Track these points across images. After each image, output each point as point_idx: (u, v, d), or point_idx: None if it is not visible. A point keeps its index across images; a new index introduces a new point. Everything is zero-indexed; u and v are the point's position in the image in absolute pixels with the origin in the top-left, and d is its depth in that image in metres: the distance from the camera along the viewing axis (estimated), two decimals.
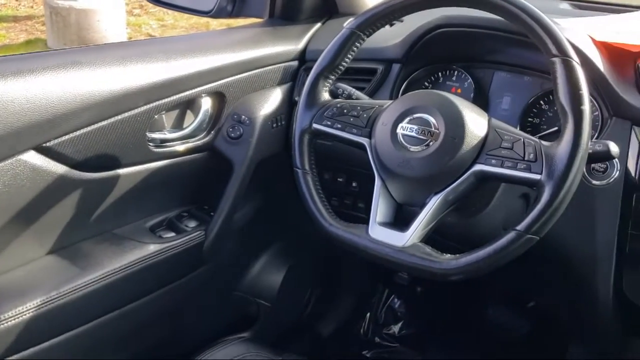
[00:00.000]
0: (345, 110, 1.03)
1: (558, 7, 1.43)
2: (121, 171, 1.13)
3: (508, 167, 0.88)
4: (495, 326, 1.69)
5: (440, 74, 1.30)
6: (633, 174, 1.05)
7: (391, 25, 1.33)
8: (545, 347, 1.66)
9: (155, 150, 1.18)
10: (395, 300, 1.91)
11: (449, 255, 0.90)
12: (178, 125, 1.24)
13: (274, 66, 1.33)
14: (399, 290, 1.88)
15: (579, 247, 1.09)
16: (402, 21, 1.33)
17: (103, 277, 1.10)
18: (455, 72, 1.28)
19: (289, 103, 1.36)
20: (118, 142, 1.09)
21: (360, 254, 0.97)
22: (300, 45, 1.38)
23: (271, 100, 1.32)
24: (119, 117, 1.07)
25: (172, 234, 1.25)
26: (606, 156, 0.91)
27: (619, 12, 1.29)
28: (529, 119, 1.20)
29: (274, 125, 1.32)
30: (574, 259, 1.10)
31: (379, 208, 0.97)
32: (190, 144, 1.24)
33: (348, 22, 1.05)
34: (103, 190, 1.13)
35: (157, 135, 1.19)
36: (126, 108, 1.08)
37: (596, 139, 1.05)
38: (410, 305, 1.88)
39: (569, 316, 1.33)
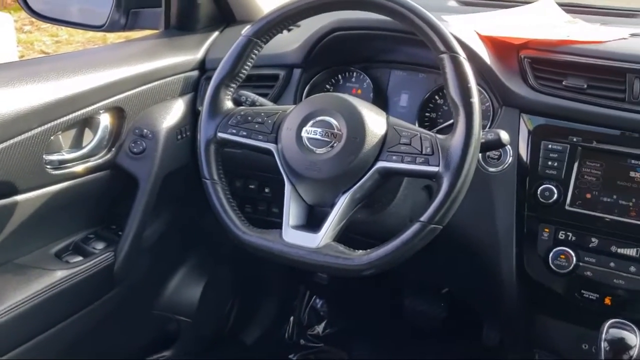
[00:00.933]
0: (249, 118, 1.03)
1: (445, 5, 1.50)
2: (19, 197, 1.08)
3: (408, 162, 0.92)
4: (414, 315, 1.75)
5: (340, 76, 1.33)
6: (525, 159, 1.12)
7: (289, 30, 1.35)
8: (462, 330, 1.74)
9: (54, 172, 1.13)
10: (317, 300, 1.93)
11: (361, 251, 0.93)
12: (77, 144, 1.20)
13: (173, 77, 1.31)
14: (319, 290, 1.90)
15: (481, 232, 1.15)
16: (299, 26, 1.35)
17: (8, 310, 1.04)
18: (354, 74, 1.32)
19: (192, 113, 1.34)
20: (13, 168, 1.04)
21: (276, 259, 0.98)
22: (199, 54, 1.37)
23: (173, 112, 1.30)
24: (12, 141, 1.02)
25: (80, 258, 1.20)
26: (498, 144, 0.97)
27: (502, 7, 1.36)
28: (426, 114, 1.25)
29: (179, 137, 1.30)
30: (477, 243, 1.16)
31: (291, 211, 0.99)
32: (90, 163, 1.20)
33: (245, 30, 1.06)
34: (1, 219, 1.07)
35: (55, 157, 1.14)
36: (19, 131, 1.03)
37: (489, 128, 1.11)
38: (332, 304, 1.91)
39: (479, 299, 1.40)
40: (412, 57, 1.26)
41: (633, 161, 1.06)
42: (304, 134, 0.97)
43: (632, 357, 0.98)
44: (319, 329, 1.89)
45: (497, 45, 1.17)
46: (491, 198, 1.13)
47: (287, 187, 0.99)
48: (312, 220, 0.99)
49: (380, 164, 0.94)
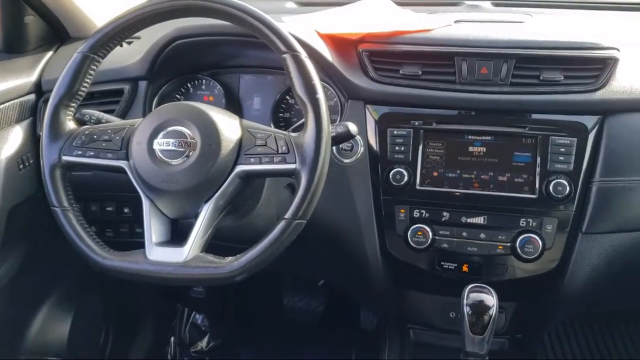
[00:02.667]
0: (95, 136, 0.98)
1: (284, 7, 1.53)
2: None
3: (266, 163, 0.93)
4: (294, 312, 1.78)
5: (189, 84, 1.31)
6: (375, 147, 1.17)
7: (129, 43, 1.31)
8: (341, 318, 1.80)
9: None
10: (197, 316, 1.89)
11: (230, 257, 0.92)
12: None
13: (7, 103, 1.22)
14: (198, 304, 1.86)
15: (344, 220, 1.19)
16: (139, 38, 1.31)
17: None
18: (204, 81, 1.30)
19: (33, 140, 1.25)
20: None
21: (144, 279, 0.94)
22: (34, 76, 1.28)
23: (12, 140, 1.21)
24: None
25: None
26: (348, 136, 1.01)
27: (339, 5, 1.41)
28: (280, 115, 1.27)
29: (21, 166, 1.21)
30: (342, 232, 1.20)
31: (153, 228, 0.96)
32: None
33: (80, 46, 1.01)
34: None
35: None
36: None
37: (339, 122, 1.15)
38: (212, 317, 1.88)
39: (352, 285, 1.45)
40: (259, 60, 1.27)
41: (470, 137, 1.15)
42: (155, 146, 0.94)
43: (492, 316, 1.06)
44: (202, 344, 1.86)
45: (337, 42, 1.22)
46: (349, 187, 1.18)
47: (145, 204, 0.96)
48: (177, 234, 0.97)
49: (240, 168, 0.94)
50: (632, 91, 1.11)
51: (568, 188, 1.09)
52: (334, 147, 1.17)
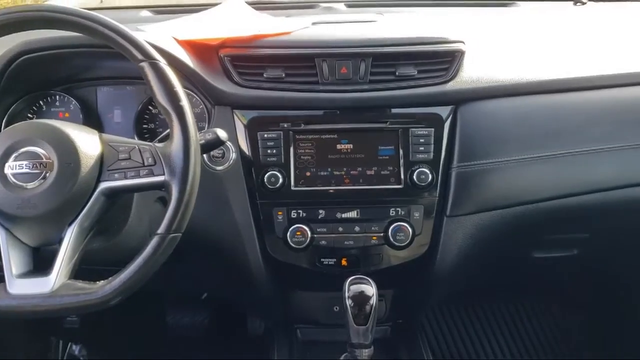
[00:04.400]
0: None
1: (139, 16, 1.48)
2: None
3: (132, 177, 0.89)
4: (180, 329, 1.72)
5: (41, 102, 1.22)
6: (247, 152, 1.17)
7: None
8: (230, 328, 1.77)
9: None
10: (74, 347, 1.78)
11: (102, 281, 0.87)
12: None
13: None
14: (73, 335, 1.75)
15: (223, 229, 1.18)
16: None
17: None
18: (57, 97, 1.23)
19: None
20: None
21: (7, 316, 0.87)
22: None
23: None
24: None
25: None
26: (218, 142, 0.99)
27: (196, 11, 1.39)
28: (144, 126, 1.23)
29: None
30: (222, 240, 1.19)
31: (12, 260, 0.88)
32: None
33: None
34: None
35: None
36: None
37: (207, 129, 1.14)
38: (90, 346, 1.77)
39: (236, 293, 1.44)
40: (116, 71, 1.22)
41: (336, 135, 1.18)
42: (7, 170, 0.87)
43: (373, 305, 1.10)
44: None
45: (197, 48, 1.20)
46: (225, 194, 1.17)
47: (1, 234, 0.88)
48: (41, 263, 0.90)
49: (104, 185, 0.90)
50: (479, 80, 1.19)
51: (430, 176, 1.16)
52: (204, 155, 1.15)
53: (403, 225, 1.17)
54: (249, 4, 1.41)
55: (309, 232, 1.17)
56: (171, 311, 1.74)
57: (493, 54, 1.26)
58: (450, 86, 1.18)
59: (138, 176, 0.89)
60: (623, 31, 1.41)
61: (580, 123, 1.21)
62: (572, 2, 1.60)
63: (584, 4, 1.59)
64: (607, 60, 1.28)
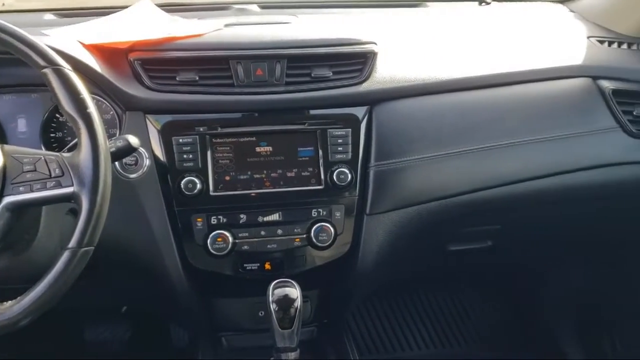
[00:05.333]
0: None
1: (42, 19, 1.40)
2: None
3: (38, 190, 0.85)
4: (100, 345, 1.65)
5: None
6: (161, 158, 1.14)
7: None
8: (153, 340, 1.72)
9: None
10: None
11: (10, 302, 0.82)
12: None
13: None
14: None
15: (139, 238, 1.14)
16: None
17: None
18: None
19: None
20: None
21: None
22: None
23: None
24: None
25: None
26: (129, 149, 0.96)
27: (103, 14, 1.34)
28: (51, 135, 1.17)
29: None
30: (139, 251, 1.15)
31: None
32: None
33: None
34: None
35: None
36: None
37: (118, 136, 1.09)
38: None
39: (156, 304, 1.39)
40: (19, 79, 1.15)
41: (255, 137, 1.17)
42: None
43: (298, 307, 1.10)
44: None
45: (105, 52, 1.15)
46: (140, 203, 1.13)
47: None
48: None
49: (7, 200, 0.84)
50: (392, 81, 1.22)
51: (349, 176, 1.17)
52: (116, 163, 1.11)
53: (325, 226, 1.18)
54: (159, 6, 1.37)
55: (230, 238, 1.15)
56: (89, 326, 1.66)
57: (405, 55, 1.29)
58: (365, 87, 1.20)
59: (45, 188, 0.85)
60: (525, 30, 1.49)
61: (488, 119, 1.26)
62: (477, 3, 1.66)
63: (488, 4, 1.66)
64: (511, 58, 1.34)
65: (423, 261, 1.48)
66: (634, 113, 1.30)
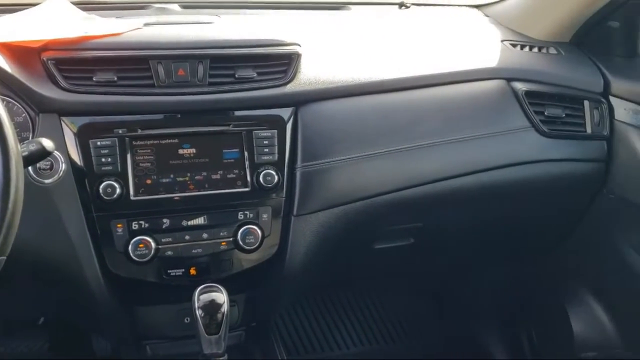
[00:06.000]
0: None
1: None
2: None
3: None
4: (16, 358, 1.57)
5: None
6: (78, 162, 1.09)
7: None
8: (74, 351, 1.64)
9: None
10: None
11: None
12: None
13: None
14: None
15: (56, 247, 1.09)
16: None
17: None
18: None
19: None
20: None
21: None
22: None
23: None
24: None
25: None
26: (43, 153, 0.91)
27: (11, 11, 1.27)
28: None
29: None
30: (56, 259, 1.10)
31: None
32: None
33: None
34: None
35: None
36: None
37: (31, 139, 1.04)
38: None
39: (76, 314, 1.34)
40: None
41: (177, 139, 1.14)
42: None
43: (225, 312, 1.08)
44: None
45: (15, 51, 1.09)
46: (56, 210, 1.08)
47: None
48: None
49: None
50: (316, 82, 1.22)
51: (276, 177, 1.16)
52: (29, 168, 1.05)
53: (252, 228, 1.16)
54: (75, 4, 1.31)
55: (153, 244, 1.12)
56: (2, 340, 1.57)
57: (329, 57, 1.30)
58: (289, 88, 1.19)
59: None
60: (442, 33, 1.53)
61: (409, 120, 1.29)
62: (397, 6, 1.70)
63: (407, 7, 1.70)
64: (430, 60, 1.37)
65: (350, 260, 1.49)
66: (545, 113, 1.37)
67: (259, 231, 1.17)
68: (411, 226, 1.40)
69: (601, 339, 1.56)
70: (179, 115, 1.15)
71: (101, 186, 1.08)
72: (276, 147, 1.18)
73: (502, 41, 1.50)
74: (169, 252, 1.14)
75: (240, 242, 1.16)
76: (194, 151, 1.15)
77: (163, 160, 1.14)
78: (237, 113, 1.18)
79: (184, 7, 1.50)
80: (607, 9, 1.41)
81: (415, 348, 1.95)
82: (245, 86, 1.17)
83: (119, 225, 1.11)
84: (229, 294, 1.10)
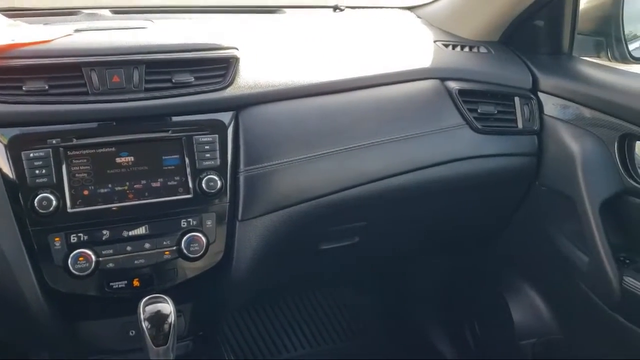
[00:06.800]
0: None
1: None
2: None
3: None
4: None
5: None
6: (10, 175, 1.05)
7: None
8: None
9: None
10: None
11: None
12: None
13: None
14: None
15: None
16: None
17: None
18: None
19: None
20: None
21: None
22: None
23: None
24: None
25: None
26: None
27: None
28: None
29: None
30: None
31: None
32: None
33: None
34: None
35: None
36: None
37: None
38: None
39: (13, 331, 1.27)
40: None
41: (114, 148, 1.11)
42: None
43: (172, 323, 1.06)
44: None
45: None
46: None
47: None
48: None
49: None
50: (256, 86, 1.22)
51: (219, 182, 1.15)
52: None
53: (196, 236, 1.14)
54: (2, 11, 1.26)
55: (93, 257, 1.08)
56: None
57: (267, 60, 1.30)
58: (229, 92, 1.19)
59: None
60: (378, 35, 1.56)
61: (350, 121, 1.30)
62: (332, 9, 1.72)
63: (342, 10, 1.72)
64: (367, 62, 1.39)
65: (297, 263, 1.50)
66: (479, 111, 1.41)
67: (203, 238, 1.15)
68: (355, 225, 1.41)
69: (539, 325, 1.62)
70: (115, 123, 1.12)
71: (36, 199, 1.04)
72: (218, 152, 1.16)
73: (434, 42, 1.54)
74: (111, 264, 1.10)
75: (185, 251, 1.14)
76: (132, 159, 1.12)
77: (100, 170, 1.10)
78: (176, 118, 1.15)
79: (115, 12, 1.46)
80: (532, 8, 1.47)
81: (363, 345, 1.97)
82: (183, 91, 1.15)
83: (56, 239, 1.07)
84: (176, 303, 1.08)
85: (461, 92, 1.40)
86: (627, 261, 1.31)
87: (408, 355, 1.93)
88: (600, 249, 1.29)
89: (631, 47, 1.47)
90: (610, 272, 1.28)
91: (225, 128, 1.18)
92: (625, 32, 1.47)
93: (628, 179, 1.29)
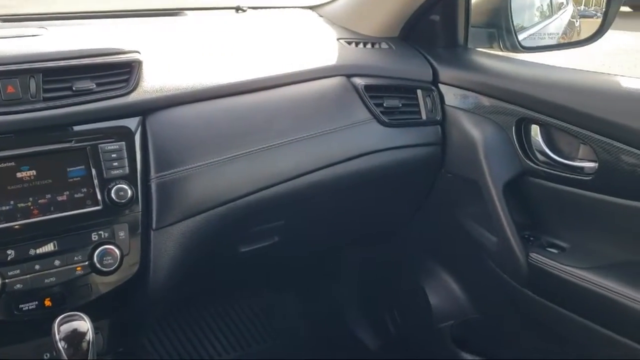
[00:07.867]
0: None
1: None
2: None
3: None
4: None
5: None
6: None
7: None
8: None
9: None
10: None
11: None
12: None
13: None
14: None
15: None
16: None
17: None
18: None
19: None
20: None
21: None
22: None
23: None
24: None
25: None
26: None
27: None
28: None
29: None
30: None
31: None
32: None
33: None
34: None
35: None
36: None
37: None
38: None
39: None
40: None
41: (14, 162, 1.05)
42: None
43: (90, 340, 1.01)
44: None
45: None
46: None
47: None
48: None
49: None
50: (162, 89, 1.19)
51: (130, 191, 1.11)
52: None
53: (109, 248, 1.10)
54: None
55: None
56: None
57: (172, 63, 1.27)
58: (133, 97, 1.15)
59: None
60: (282, 34, 1.57)
61: (261, 121, 1.30)
62: (234, 10, 1.71)
63: (244, 11, 1.71)
64: (273, 61, 1.40)
65: (216, 267, 1.47)
66: (384, 105, 1.45)
67: (116, 250, 1.11)
68: (274, 225, 1.41)
69: (456, 307, 1.69)
70: (13, 136, 1.05)
71: None
72: (126, 160, 1.13)
73: (338, 39, 1.57)
74: (18, 285, 1.04)
75: (98, 265, 1.09)
76: (34, 173, 1.06)
77: (0, 186, 1.04)
78: (79, 127, 1.10)
79: (5, 20, 1.38)
80: (428, 3, 1.53)
81: (288, 344, 1.98)
82: (85, 99, 1.10)
83: None
84: (92, 320, 1.04)
85: (367, 87, 1.44)
86: (532, 238, 1.40)
87: (331, 348, 1.95)
88: (506, 229, 1.36)
89: (520, 37, 1.56)
90: (517, 250, 1.36)
91: (132, 134, 1.14)
92: (515, 24, 1.56)
93: (526, 161, 1.38)
